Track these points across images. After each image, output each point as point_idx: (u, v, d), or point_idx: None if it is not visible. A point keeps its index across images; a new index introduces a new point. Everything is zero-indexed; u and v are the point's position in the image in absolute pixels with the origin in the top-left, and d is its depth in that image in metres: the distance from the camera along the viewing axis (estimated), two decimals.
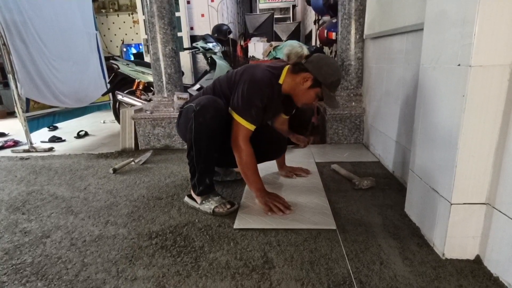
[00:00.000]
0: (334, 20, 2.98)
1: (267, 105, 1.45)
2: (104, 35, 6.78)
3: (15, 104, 2.79)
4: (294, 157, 2.21)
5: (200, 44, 3.62)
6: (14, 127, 3.89)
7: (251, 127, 1.40)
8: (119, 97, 3.37)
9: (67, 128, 3.86)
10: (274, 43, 3.68)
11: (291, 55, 1.47)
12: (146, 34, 3.18)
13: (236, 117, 1.39)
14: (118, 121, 3.31)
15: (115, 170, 2.09)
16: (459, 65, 0.96)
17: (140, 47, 6.22)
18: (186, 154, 1.46)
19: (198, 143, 1.39)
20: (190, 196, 1.57)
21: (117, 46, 6.96)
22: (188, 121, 1.40)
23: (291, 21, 7.81)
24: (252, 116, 1.39)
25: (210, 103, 1.37)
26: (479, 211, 1.02)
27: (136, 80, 3.47)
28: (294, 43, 2.59)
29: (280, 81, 1.48)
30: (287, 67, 1.49)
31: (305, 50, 1.48)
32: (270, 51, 3.53)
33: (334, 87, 1.43)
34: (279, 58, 3.10)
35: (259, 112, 1.41)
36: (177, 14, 3.75)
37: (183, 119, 1.52)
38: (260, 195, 1.46)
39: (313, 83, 1.42)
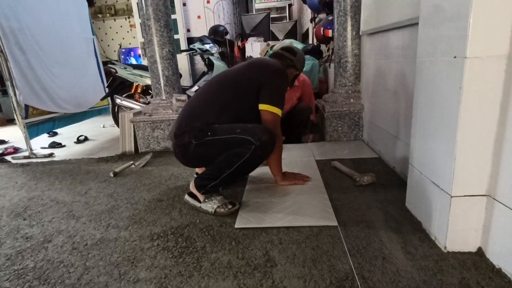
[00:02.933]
0: (330, 18, 2.98)
1: None
2: (102, 40, 6.78)
3: (14, 111, 2.79)
4: (294, 156, 2.21)
5: (197, 45, 3.63)
6: (14, 134, 3.89)
7: (281, 112, 1.54)
8: (118, 101, 3.38)
9: (66, 133, 3.86)
10: (271, 43, 3.69)
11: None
12: (142, 37, 3.18)
13: (272, 109, 1.49)
14: (117, 125, 3.32)
15: (115, 174, 2.09)
16: (455, 57, 0.96)
17: (139, 53, 6.20)
18: (213, 165, 1.45)
19: (241, 169, 1.42)
20: (190, 194, 1.56)
21: (114, 51, 6.96)
22: (237, 147, 1.39)
23: (288, 20, 7.81)
24: (283, 103, 1.54)
25: (270, 138, 1.40)
26: (480, 203, 1.02)
27: (134, 83, 3.47)
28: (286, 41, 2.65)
29: None
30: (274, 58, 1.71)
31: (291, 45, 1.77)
32: (267, 51, 3.54)
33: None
34: None
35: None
36: (173, 16, 3.76)
37: (212, 149, 1.44)
38: (282, 179, 1.70)
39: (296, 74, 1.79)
